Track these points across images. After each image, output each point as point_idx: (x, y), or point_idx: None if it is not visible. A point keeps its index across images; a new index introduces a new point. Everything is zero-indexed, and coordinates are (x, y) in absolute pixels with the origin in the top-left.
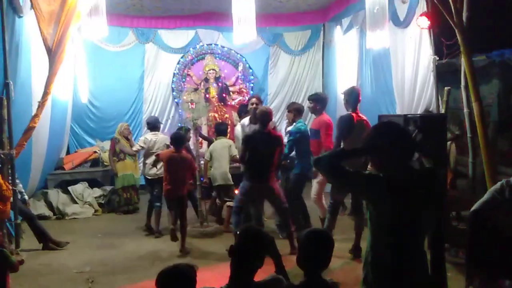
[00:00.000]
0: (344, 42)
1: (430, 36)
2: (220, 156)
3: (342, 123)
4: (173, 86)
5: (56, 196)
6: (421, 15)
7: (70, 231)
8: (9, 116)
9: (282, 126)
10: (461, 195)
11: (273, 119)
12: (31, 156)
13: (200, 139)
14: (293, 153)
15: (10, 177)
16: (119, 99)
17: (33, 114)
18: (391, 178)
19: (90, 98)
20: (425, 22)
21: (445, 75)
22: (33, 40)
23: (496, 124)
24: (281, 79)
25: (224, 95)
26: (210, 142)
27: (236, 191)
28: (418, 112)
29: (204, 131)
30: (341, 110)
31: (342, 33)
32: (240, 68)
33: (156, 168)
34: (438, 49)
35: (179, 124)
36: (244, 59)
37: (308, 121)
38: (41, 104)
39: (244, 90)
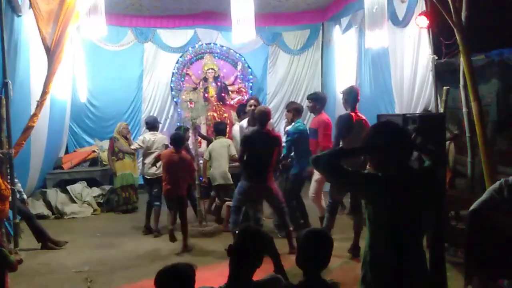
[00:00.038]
0: (343, 41)
1: (429, 35)
2: (219, 156)
3: (341, 123)
4: (172, 85)
5: (55, 196)
6: (420, 14)
7: (69, 231)
8: (8, 115)
9: (281, 126)
10: (460, 195)
11: (271, 119)
12: (30, 155)
13: (199, 138)
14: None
15: (9, 177)
16: (118, 98)
17: (31, 114)
18: (390, 178)
19: (89, 98)
20: (424, 21)
21: (444, 74)
22: (32, 39)
23: (495, 124)
24: (280, 78)
25: (223, 94)
26: (209, 142)
27: None
28: (417, 112)
29: (203, 130)
30: (340, 110)
31: (341, 33)
32: (239, 67)
33: (156, 167)
34: (437, 49)
35: (178, 124)
36: (243, 58)
37: (307, 120)
38: (40, 104)
39: (243, 90)
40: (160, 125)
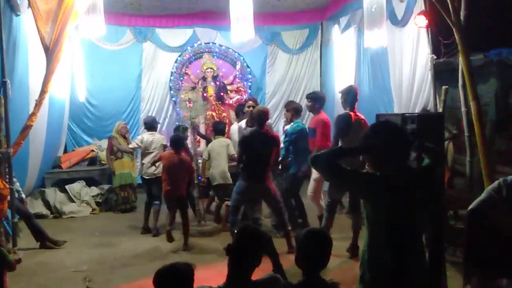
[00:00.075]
0: (342, 41)
1: (428, 35)
2: (219, 155)
3: (340, 122)
4: (170, 84)
5: (54, 195)
6: (419, 14)
7: (68, 230)
8: (7, 114)
9: (280, 125)
10: (459, 194)
11: (270, 119)
12: (29, 154)
13: (198, 137)
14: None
15: (7, 176)
16: (117, 97)
17: (30, 113)
18: (388, 177)
19: (87, 97)
20: (423, 21)
21: (442, 74)
22: (30, 39)
23: (493, 123)
24: (279, 78)
25: (222, 93)
26: (208, 141)
27: None
28: (416, 111)
29: (202, 129)
30: (339, 109)
31: (340, 32)
32: (238, 66)
33: (155, 167)
34: (436, 48)
35: (177, 123)
36: (242, 57)
37: (307, 119)
38: (39, 103)
39: (242, 89)
40: (159, 125)
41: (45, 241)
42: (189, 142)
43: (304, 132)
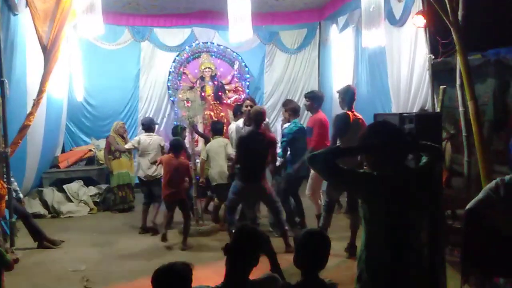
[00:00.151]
0: (340, 40)
1: (426, 34)
2: (217, 155)
3: (338, 122)
4: (168, 84)
5: (51, 195)
6: (416, 13)
7: (65, 230)
8: (4, 114)
9: (278, 125)
10: (457, 194)
11: (267, 119)
12: (26, 154)
13: (196, 137)
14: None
15: (5, 176)
16: (115, 97)
17: (28, 112)
18: (386, 177)
19: (85, 96)
20: (420, 20)
21: (440, 74)
22: (28, 38)
23: (491, 123)
24: (277, 77)
25: (220, 93)
26: (206, 140)
27: None
28: (414, 111)
29: (200, 129)
30: (337, 109)
31: (338, 32)
32: (236, 66)
33: (156, 166)
34: (433, 48)
35: (175, 123)
36: (240, 57)
37: (305, 119)
38: (36, 102)
39: (240, 89)
40: (157, 125)
41: (42, 241)
42: (187, 141)
43: (302, 132)
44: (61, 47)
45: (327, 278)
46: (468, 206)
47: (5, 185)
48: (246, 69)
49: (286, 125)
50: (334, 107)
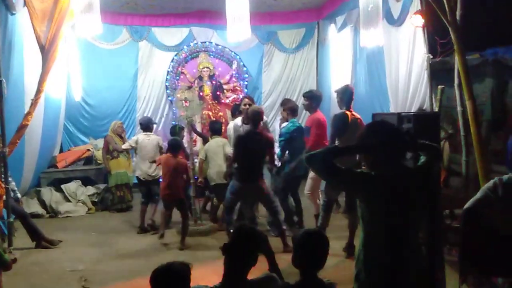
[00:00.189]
0: (338, 40)
1: (424, 34)
2: (216, 155)
3: (336, 121)
4: (167, 84)
5: (49, 194)
6: (415, 13)
7: (63, 229)
8: (2, 113)
9: (276, 124)
10: (455, 193)
11: (265, 118)
12: (24, 154)
13: (194, 137)
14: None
15: (3, 175)
16: (113, 97)
17: (26, 112)
18: (384, 177)
19: (83, 96)
20: (419, 20)
21: (438, 73)
22: (26, 38)
23: (489, 123)
24: (275, 77)
25: (218, 93)
26: (204, 139)
27: None
28: (412, 111)
29: (198, 129)
30: (335, 108)
31: (336, 31)
32: (234, 66)
33: (156, 166)
34: (432, 48)
35: (173, 122)
36: (238, 57)
37: (303, 118)
38: (34, 102)
39: (238, 88)
40: (155, 125)
41: (40, 241)
42: (185, 141)
43: (300, 131)
44: (59, 46)
45: (325, 277)
46: (466, 206)
47: (3, 185)
48: (245, 68)
49: (284, 124)
50: (332, 107)
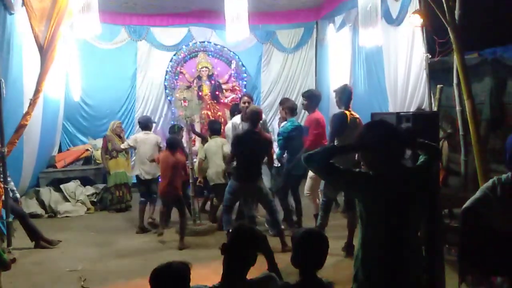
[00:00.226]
0: (337, 39)
1: (423, 34)
2: (215, 155)
3: (335, 121)
4: (165, 84)
5: (48, 194)
6: (413, 13)
7: (62, 229)
8: (1, 113)
9: (275, 123)
10: (454, 193)
11: (264, 116)
12: (23, 154)
13: (193, 136)
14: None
15: (1, 175)
16: (112, 97)
17: (24, 112)
18: (382, 176)
19: (82, 96)
20: (417, 20)
21: (437, 73)
22: (24, 38)
23: (488, 122)
24: (274, 76)
25: (217, 92)
26: (203, 139)
27: None
28: (411, 110)
29: (197, 129)
30: (334, 108)
31: (335, 31)
32: (233, 65)
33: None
34: (430, 47)
35: (172, 122)
36: (237, 56)
37: (302, 118)
38: (33, 102)
39: (237, 88)
40: (154, 124)
41: (39, 241)
42: (184, 141)
43: (298, 130)
44: (58, 46)
45: (324, 277)
46: (465, 205)
47: (2, 185)
48: (243, 68)
49: (283, 123)
50: (331, 106)
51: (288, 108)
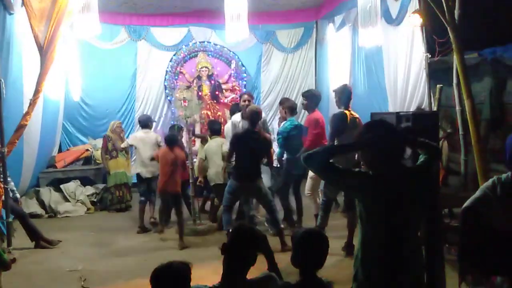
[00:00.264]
0: (336, 39)
1: (423, 33)
2: (215, 155)
3: (335, 121)
4: (165, 84)
5: (48, 194)
6: (413, 12)
7: (62, 229)
8: (1, 114)
9: (275, 123)
10: (454, 192)
11: (263, 115)
12: (23, 154)
13: (193, 136)
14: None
15: (1, 175)
16: (112, 97)
17: (24, 112)
18: (382, 176)
19: (82, 96)
20: (417, 19)
21: (437, 72)
22: (24, 38)
23: (488, 122)
24: (274, 76)
25: (216, 92)
26: (204, 140)
27: None
28: (411, 110)
29: (197, 129)
30: (334, 108)
31: (335, 31)
32: (232, 65)
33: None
34: (430, 47)
35: (172, 122)
36: (236, 56)
37: (302, 117)
38: (33, 102)
39: (237, 88)
40: (154, 124)
41: (39, 241)
42: (184, 141)
43: (298, 130)
44: (58, 46)
45: (324, 277)
46: (465, 205)
47: (2, 185)
48: (243, 68)
49: (283, 123)
50: (331, 106)
51: (288, 107)
